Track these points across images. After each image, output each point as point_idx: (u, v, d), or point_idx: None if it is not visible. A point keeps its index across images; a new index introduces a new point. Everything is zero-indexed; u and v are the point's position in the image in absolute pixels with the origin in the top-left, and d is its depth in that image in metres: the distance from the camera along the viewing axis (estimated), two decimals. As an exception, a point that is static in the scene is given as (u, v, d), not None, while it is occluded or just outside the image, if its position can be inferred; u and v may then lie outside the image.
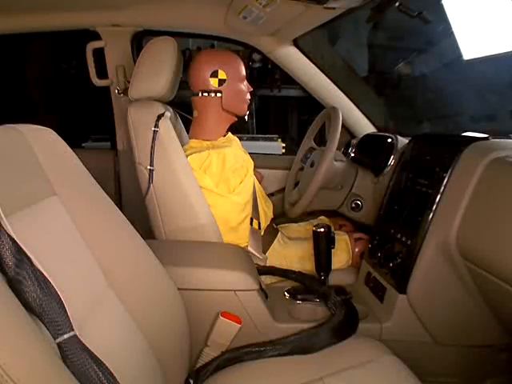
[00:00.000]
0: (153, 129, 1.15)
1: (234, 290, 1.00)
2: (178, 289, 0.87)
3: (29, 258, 0.54)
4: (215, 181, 1.22)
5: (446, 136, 1.23)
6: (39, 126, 0.74)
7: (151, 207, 1.21)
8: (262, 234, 1.33)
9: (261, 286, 1.06)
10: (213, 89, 1.28)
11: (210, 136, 1.31)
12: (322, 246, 1.13)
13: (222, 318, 0.97)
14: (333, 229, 1.17)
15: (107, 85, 1.62)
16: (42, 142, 0.71)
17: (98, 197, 0.78)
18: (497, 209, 0.84)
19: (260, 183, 1.49)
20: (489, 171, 0.89)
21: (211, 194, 1.22)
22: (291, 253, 1.34)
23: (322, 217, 1.60)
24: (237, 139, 1.40)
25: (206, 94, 1.28)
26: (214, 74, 1.27)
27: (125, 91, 1.56)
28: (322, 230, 1.12)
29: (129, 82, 1.31)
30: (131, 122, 1.19)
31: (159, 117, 1.17)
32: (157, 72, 1.21)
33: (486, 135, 1.01)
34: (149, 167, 1.17)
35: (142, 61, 1.24)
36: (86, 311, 0.64)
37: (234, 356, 0.91)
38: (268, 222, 1.39)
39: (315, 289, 1.14)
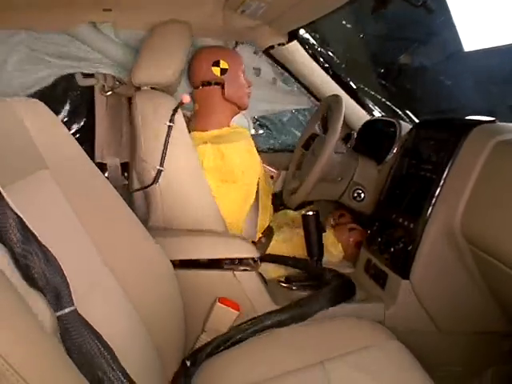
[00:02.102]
0: (167, 124, 1.06)
1: (233, 270, 0.97)
2: (173, 261, 0.84)
3: (33, 234, 0.53)
4: (217, 175, 1.18)
5: (450, 120, 1.20)
6: (27, 98, 0.71)
7: (153, 200, 1.13)
8: (260, 236, 1.30)
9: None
10: (215, 77, 1.24)
11: (214, 126, 1.25)
12: (312, 228, 1.15)
13: (219, 304, 0.94)
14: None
15: (92, 84, 1.38)
16: (31, 113, 0.68)
17: (90, 170, 0.76)
18: (502, 192, 0.82)
19: (275, 181, 1.51)
20: (494, 154, 0.87)
21: (215, 188, 1.17)
22: (287, 245, 1.31)
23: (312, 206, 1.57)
24: (247, 132, 1.33)
25: (207, 85, 1.24)
26: (216, 64, 1.24)
27: (113, 88, 1.38)
28: (311, 213, 1.15)
29: (118, 81, 1.30)
30: (139, 113, 1.08)
31: (174, 110, 1.07)
32: (167, 57, 1.12)
33: (492, 118, 0.99)
34: (158, 167, 1.06)
35: (152, 42, 1.14)
36: (85, 288, 0.62)
37: (232, 335, 0.90)
38: (268, 222, 1.36)
39: (310, 270, 1.14)
